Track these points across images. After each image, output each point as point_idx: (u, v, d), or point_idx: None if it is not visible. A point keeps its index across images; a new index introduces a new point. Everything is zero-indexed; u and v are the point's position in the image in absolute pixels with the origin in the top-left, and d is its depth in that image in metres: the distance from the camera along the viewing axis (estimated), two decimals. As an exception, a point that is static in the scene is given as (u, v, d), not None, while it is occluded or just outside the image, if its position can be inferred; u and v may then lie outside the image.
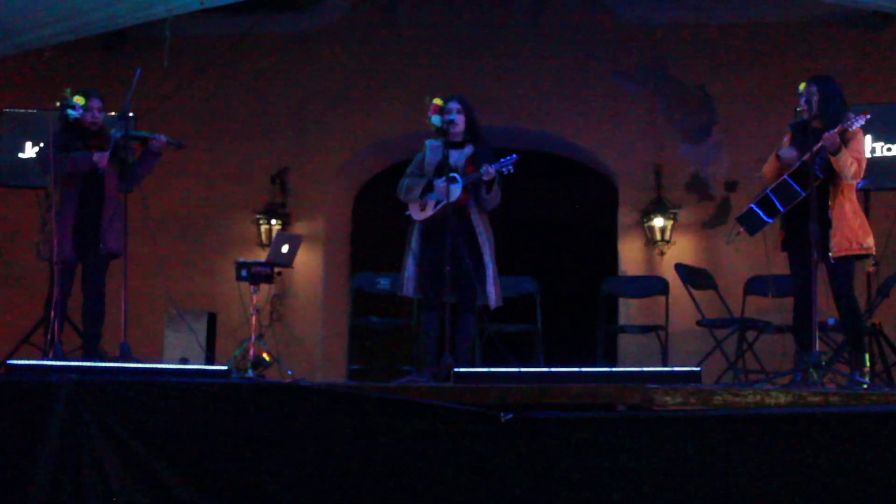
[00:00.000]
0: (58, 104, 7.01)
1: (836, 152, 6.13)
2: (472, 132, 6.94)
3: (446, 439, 5.02)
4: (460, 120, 6.86)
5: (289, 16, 10.79)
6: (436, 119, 6.82)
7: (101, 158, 6.86)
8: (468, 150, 6.89)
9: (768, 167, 6.54)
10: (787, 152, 6.41)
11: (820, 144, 6.15)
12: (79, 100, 6.98)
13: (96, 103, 7.06)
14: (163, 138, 7.06)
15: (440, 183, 6.73)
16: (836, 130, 6.11)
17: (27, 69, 10.00)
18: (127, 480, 5.12)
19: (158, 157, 7.14)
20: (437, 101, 6.87)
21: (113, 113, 7.38)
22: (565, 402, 5.38)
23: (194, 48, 10.14)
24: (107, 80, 8.77)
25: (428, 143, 7.05)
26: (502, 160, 6.67)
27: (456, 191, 6.71)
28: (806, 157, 6.19)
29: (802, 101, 6.38)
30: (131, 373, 5.73)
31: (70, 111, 6.96)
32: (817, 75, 6.54)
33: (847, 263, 6.31)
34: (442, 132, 6.84)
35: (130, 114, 7.25)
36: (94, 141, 6.99)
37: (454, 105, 6.87)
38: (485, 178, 6.68)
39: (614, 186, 10.52)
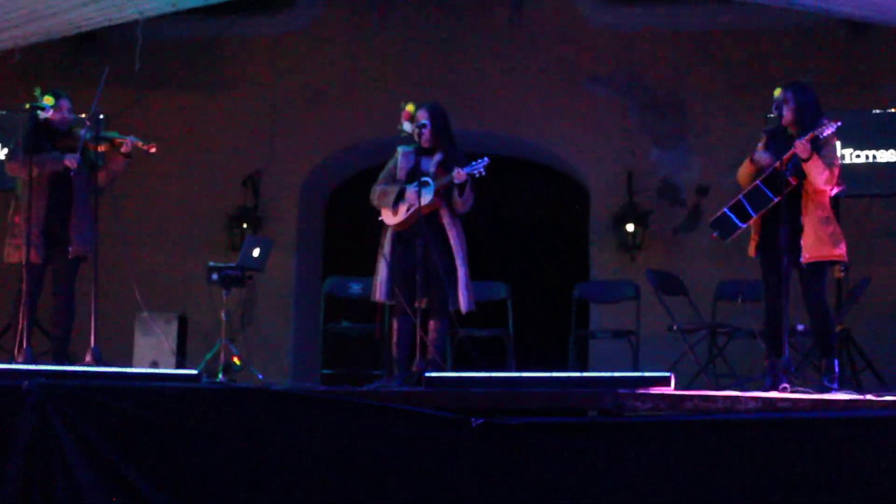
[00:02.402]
0: (27, 105, 6.96)
1: (807, 159, 6.16)
2: (444, 140, 6.91)
3: (417, 444, 5.03)
4: (430, 128, 6.85)
5: (261, 18, 10.73)
6: (406, 125, 6.81)
7: (72, 161, 6.81)
8: (439, 156, 6.87)
9: (743, 171, 6.57)
10: (761, 157, 6.44)
11: (791, 151, 6.19)
12: (48, 100, 6.92)
13: (66, 104, 7.02)
14: (133, 140, 7.02)
15: (412, 188, 6.72)
16: (806, 137, 6.15)
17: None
18: (96, 485, 5.10)
19: (129, 159, 7.10)
20: (409, 108, 6.86)
21: (83, 115, 7.33)
22: (536, 407, 5.37)
23: (166, 50, 10.08)
24: (77, 83, 8.68)
25: (400, 149, 7.04)
26: (473, 163, 6.66)
27: (428, 195, 6.70)
28: (777, 163, 6.23)
29: (774, 106, 6.42)
30: (101, 376, 5.69)
31: (39, 111, 6.91)
32: (794, 82, 6.57)
33: (819, 270, 6.34)
34: (412, 138, 6.83)
35: (101, 115, 7.20)
36: (63, 141, 6.95)
37: (423, 113, 6.85)
38: (456, 180, 6.67)
39: (586, 191, 10.54)
